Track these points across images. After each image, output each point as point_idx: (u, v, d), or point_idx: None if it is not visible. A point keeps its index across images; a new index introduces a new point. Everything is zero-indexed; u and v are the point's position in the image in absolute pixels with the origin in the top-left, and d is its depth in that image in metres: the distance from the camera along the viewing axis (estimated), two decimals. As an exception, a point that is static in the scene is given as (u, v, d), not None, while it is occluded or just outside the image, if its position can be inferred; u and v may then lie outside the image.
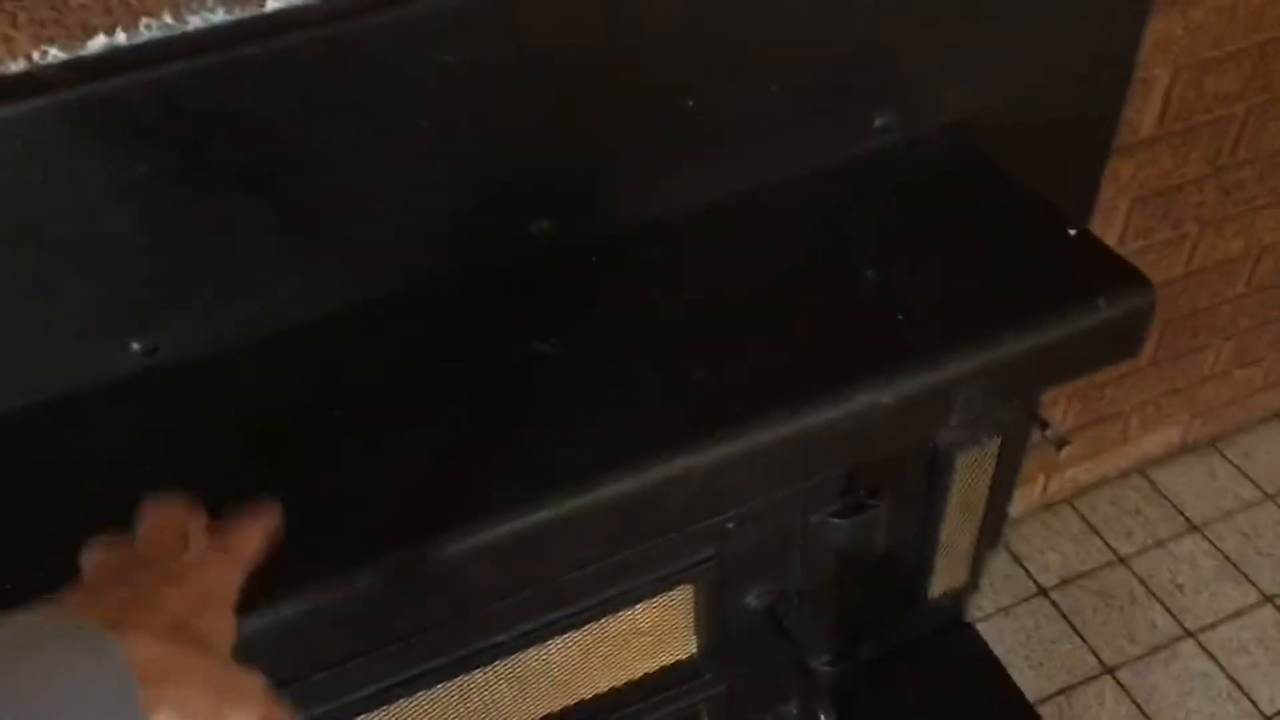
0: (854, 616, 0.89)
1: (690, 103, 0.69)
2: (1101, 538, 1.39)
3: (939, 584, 0.95)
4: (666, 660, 0.85)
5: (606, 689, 0.84)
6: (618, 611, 0.74)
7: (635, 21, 0.64)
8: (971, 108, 0.78)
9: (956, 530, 0.89)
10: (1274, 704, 1.21)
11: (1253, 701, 1.21)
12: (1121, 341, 0.67)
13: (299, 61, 0.59)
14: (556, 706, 0.84)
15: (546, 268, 0.71)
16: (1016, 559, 1.37)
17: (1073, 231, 0.70)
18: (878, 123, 0.77)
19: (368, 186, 0.65)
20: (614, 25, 0.64)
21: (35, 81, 0.56)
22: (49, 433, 0.66)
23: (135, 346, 0.68)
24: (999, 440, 0.81)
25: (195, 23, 0.59)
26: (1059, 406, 1.26)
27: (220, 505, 0.50)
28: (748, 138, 0.73)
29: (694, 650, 0.85)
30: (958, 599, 1.01)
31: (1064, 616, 1.30)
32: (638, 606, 0.76)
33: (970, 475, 0.83)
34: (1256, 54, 0.96)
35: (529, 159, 0.68)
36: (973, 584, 0.99)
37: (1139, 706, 1.21)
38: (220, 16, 0.59)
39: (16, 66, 0.56)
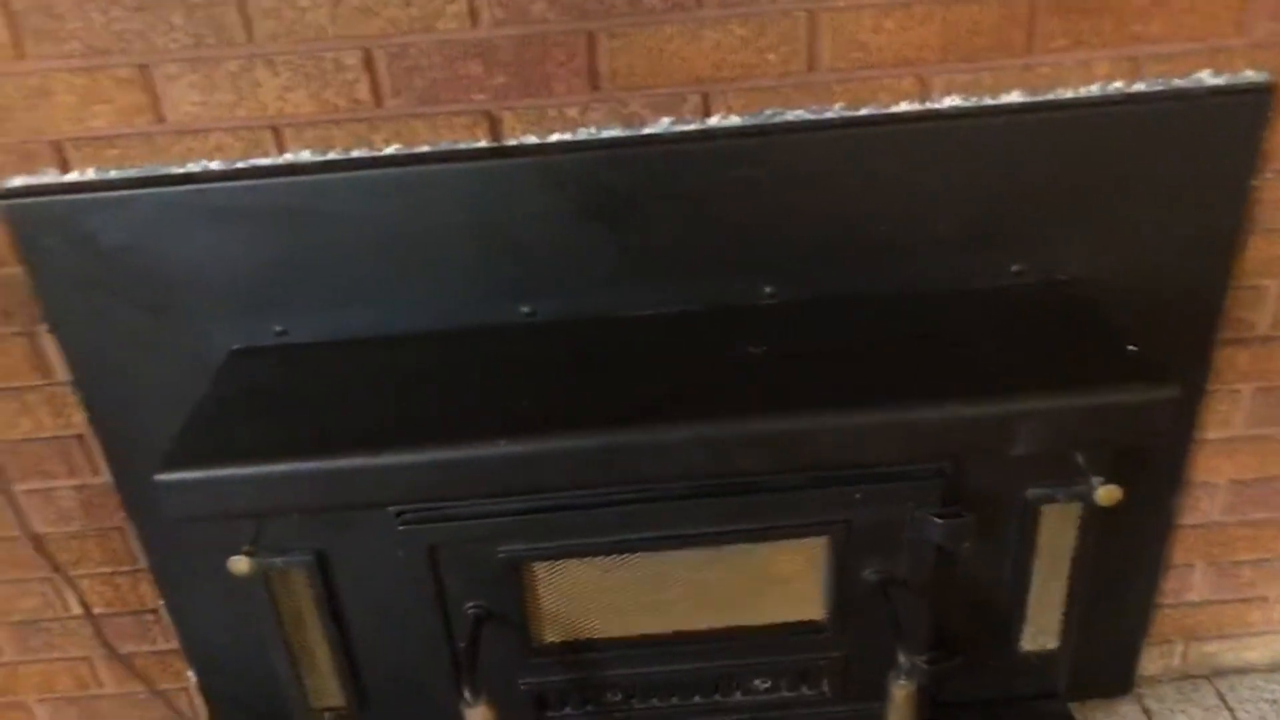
0: (951, 630, 1.17)
1: (883, 227, 1.10)
2: (1234, 716, 1.51)
3: (1030, 637, 1.20)
4: (797, 615, 1.17)
5: (743, 626, 1.18)
6: (765, 540, 1.09)
7: (855, 168, 1.07)
8: (1089, 266, 1.12)
9: (1045, 584, 1.16)
10: None
11: None
12: (1145, 422, 0.97)
13: (657, 162, 1.07)
14: (700, 625, 1.18)
15: (770, 312, 1.12)
16: (1146, 713, 1.53)
17: (1131, 348, 1.02)
18: (1014, 268, 1.13)
19: (682, 241, 1.11)
20: (839, 170, 1.07)
21: (508, 150, 1.08)
22: (462, 349, 1.14)
23: (523, 309, 1.16)
24: (1080, 506, 1.10)
25: (591, 134, 1.08)
26: (1194, 571, 1.45)
27: (551, 404, 0.94)
28: (924, 259, 1.12)
29: (821, 614, 1.17)
30: (1051, 665, 1.24)
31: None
32: (781, 544, 1.10)
33: (1055, 532, 1.12)
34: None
35: (764, 241, 1.11)
36: (1064, 656, 1.23)
37: None
38: (611, 133, 1.08)
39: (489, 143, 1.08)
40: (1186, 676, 1.57)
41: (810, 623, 1.18)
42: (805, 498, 1.07)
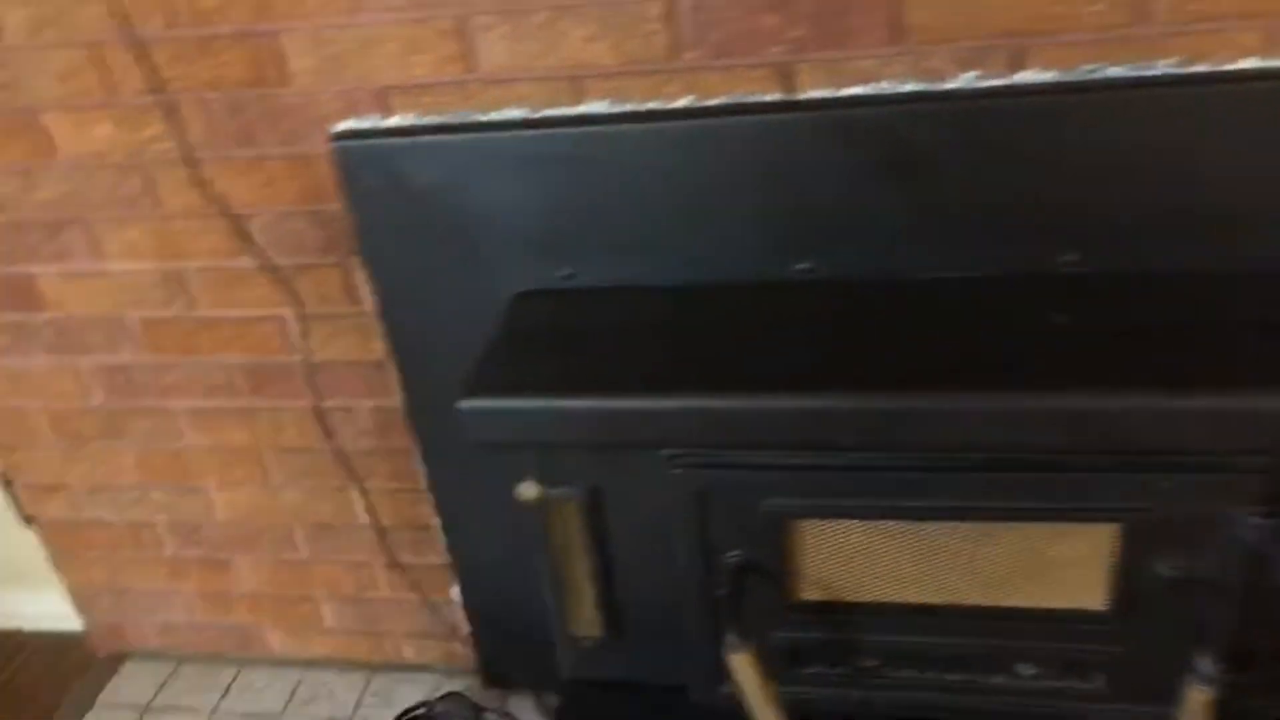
0: (1256, 641, 1.07)
1: (1213, 197, 1.01)
2: None
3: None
4: (1076, 603, 1.11)
5: (1015, 607, 1.13)
6: (1054, 521, 1.04)
7: (1183, 131, 0.99)
8: None
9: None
10: None
11: None
12: None
13: (957, 119, 1.03)
14: (968, 600, 1.14)
15: (1073, 282, 1.06)
16: None
17: None
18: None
19: (977, 202, 1.06)
20: (1164, 132, 0.99)
21: (801, 104, 1.06)
22: (741, 302, 1.15)
23: (802, 265, 1.15)
24: None
25: (889, 88, 1.05)
26: None
27: (834, 361, 0.93)
28: (1262, 235, 1.02)
29: (1103, 604, 1.10)
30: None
31: None
32: (1068, 526, 1.05)
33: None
34: None
35: (1071, 206, 1.04)
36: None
37: None
38: (910, 87, 1.04)
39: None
40: None
41: (1090, 612, 1.12)
42: (1104, 481, 1.00)
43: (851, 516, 1.11)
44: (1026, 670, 1.18)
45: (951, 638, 1.18)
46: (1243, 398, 0.89)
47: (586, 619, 1.28)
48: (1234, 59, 0.98)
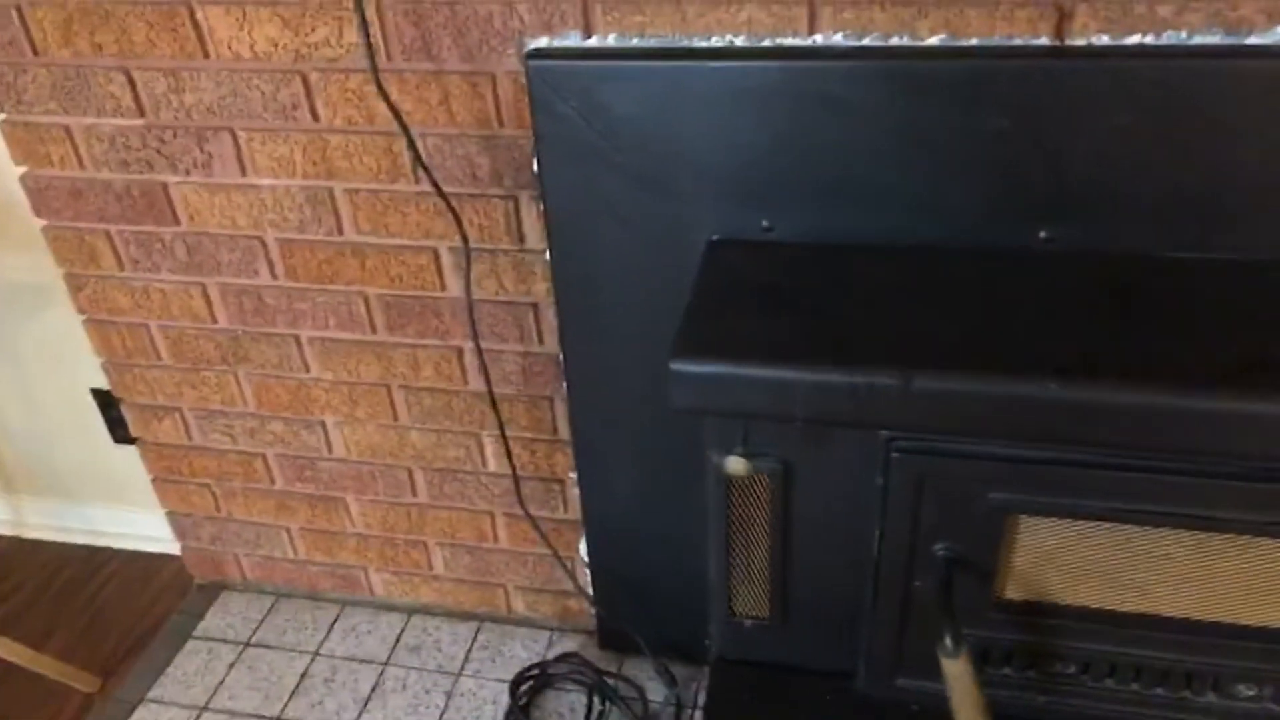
0: None
1: None
2: None
3: None
4: (1315, 625, 1.01)
5: (1244, 624, 1.03)
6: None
7: None
8: None
9: None
10: None
11: None
12: None
13: (1261, 77, 0.90)
14: (1190, 613, 1.04)
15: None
16: None
17: None
18: None
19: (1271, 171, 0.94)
20: None
21: (1072, 51, 0.93)
22: (969, 269, 1.03)
23: (1042, 234, 1.03)
24: None
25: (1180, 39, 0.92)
26: None
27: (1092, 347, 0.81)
28: None
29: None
30: None
31: None
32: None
33: None
34: None
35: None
36: None
37: None
38: (1206, 39, 0.91)
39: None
40: None
41: (1328, 636, 1.02)
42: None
43: (1088, 517, 1.00)
44: (1246, 691, 1.09)
45: (1167, 651, 1.08)
46: None
47: (754, 599, 1.19)
48: None
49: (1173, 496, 0.96)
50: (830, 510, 1.09)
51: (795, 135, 1.04)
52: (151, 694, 1.59)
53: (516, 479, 1.44)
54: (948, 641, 0.97)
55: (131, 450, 1.69)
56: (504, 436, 1.39)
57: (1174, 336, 0.91)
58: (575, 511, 1.48)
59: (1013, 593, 1.09)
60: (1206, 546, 1.00)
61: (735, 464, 0.99)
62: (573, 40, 1.05)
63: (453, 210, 1.19)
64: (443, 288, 1.29)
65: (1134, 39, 0.93)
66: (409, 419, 1.44)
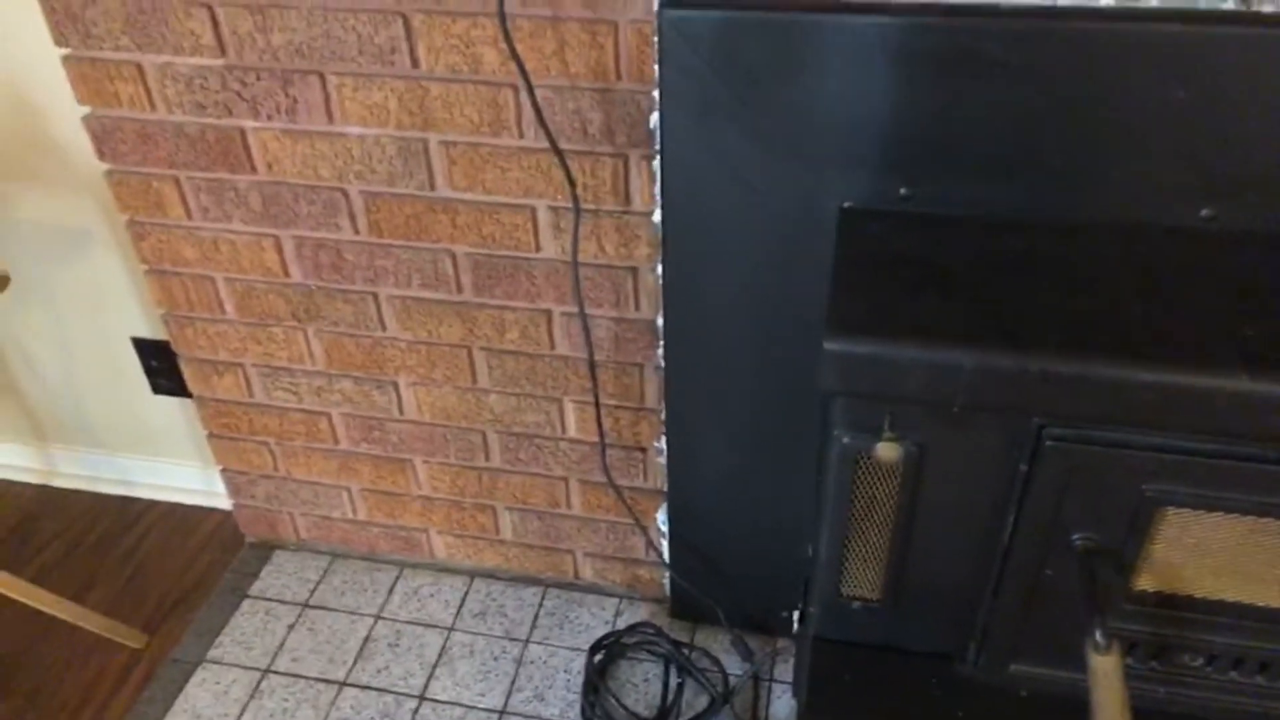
0: None
1: None
2: None
3: None
4: None
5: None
6: None
7: None
8: None
9: None
10: None
11: None
12: None
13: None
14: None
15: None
16: None
17: None
18: None
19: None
20: None
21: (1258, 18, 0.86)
22: (1120, 247, 0.97)
23: (1204, 213, 0.97)
24: None
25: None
26: None
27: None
28: None
29: None
30: None
31: None
32: None
33: None
34: None
35: None
36: None
37: None
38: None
39: None
40: None
41: None
42: None
43: (1232, 510, 0.96)
44: (1382, 688, 1.06)
45: (1301, 646, 1.05)
46: None
47: (867, 582, 1.15)
48: None
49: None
50: (961, 495, 1.04)
51: (941, 99, 0.97)
52: (211, 654, 1.54)
53: (603, 445, 1.39)
54: (1099, 637, 0.93)
55: (169, 401, 1.62)
56: (592, 404, 1.34)
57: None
58: (655, 480, 1.43)
59: (1146, 584, 1.05)
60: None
61: (887, 449, 0.94)
62: (711, -12, 0.97)
63: (565, 168, 1.12)
64: (537, 248, 1.22)
65: (1333, 5, 0.86)
66: (489, 382, 1.38)
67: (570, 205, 1.16)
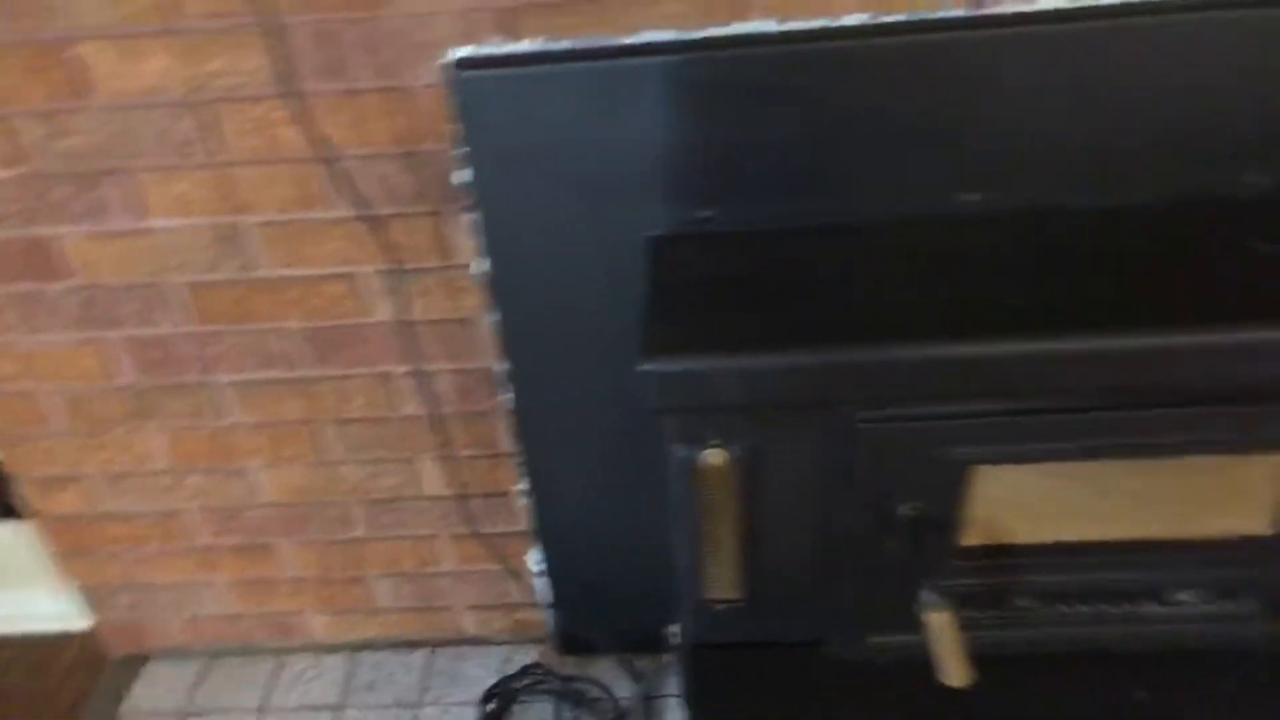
0: None
1: None
2: None
3: None
4: (1240, 530, 1.11)
5: (1175, 538, 1.11)
6: (1236, 454, 1.02)
7: None
8: None
9: None
10: None
11: None
12: None
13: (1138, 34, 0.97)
14: (1130, 534, 1.12)
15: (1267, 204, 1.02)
16: None
17: None
18: None
19: (1165, 124, 1.01)
20: None
21: (987, 20, 0.98)
22: (902, 240, 1.07)
23: (968, 197, 1.08)
24: None
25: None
26: None
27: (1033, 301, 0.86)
28: None
29: (1269, 529, 1.10)
30: None
31: None
32: (1246, 458, 1.02)
33: None
34: None
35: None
36: None
37: None
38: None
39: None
40: None
41: (1254, 537, 1.12)
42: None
43: (1036, 460, 1.06)
44: (1184, 598, 1.18)
45: (1112, 572, 1.16)
46: None
47: (726, 583, 1.21)
48: None
49: (1114, 430, 1.02)
50: (797, 487, 1.12)
51: (724, 124, 1.05)
52: (87, 783, 1.48)
53: (462, 498, 1.41)
54: (929, 596, 1.02)
55: (5, 527, 1.56)
56: (447, 458, 1.36)
57: (1099, 282, 0.98)
58: (523, 523, 1.46)
59: (973, 539, 1.15)
60: (1142, 471, 1.08)
61: (713, 456, 1.00)
62: (496, 47, 1.03)
63: (376, 233, 1.15)
64: (367, 314, 1.25)
65: (1043, 4, 0.98)
66: (341, 453, 1.39)
67: (394, 268, 1.19)
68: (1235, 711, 1.18)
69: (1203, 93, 1.01)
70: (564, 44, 1.02)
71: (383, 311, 1.24)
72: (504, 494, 1.43)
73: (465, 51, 1.03)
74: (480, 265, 1.17)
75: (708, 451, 1.00)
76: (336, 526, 1.48)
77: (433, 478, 1.42)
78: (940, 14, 0.99)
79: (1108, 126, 1.03)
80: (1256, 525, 1.12)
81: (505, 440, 1.37)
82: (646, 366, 0.94)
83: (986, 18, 0.99)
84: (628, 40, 1.02)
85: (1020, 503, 1.12)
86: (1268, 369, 0.89)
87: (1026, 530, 1.15)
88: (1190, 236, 1.02)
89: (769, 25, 1.00)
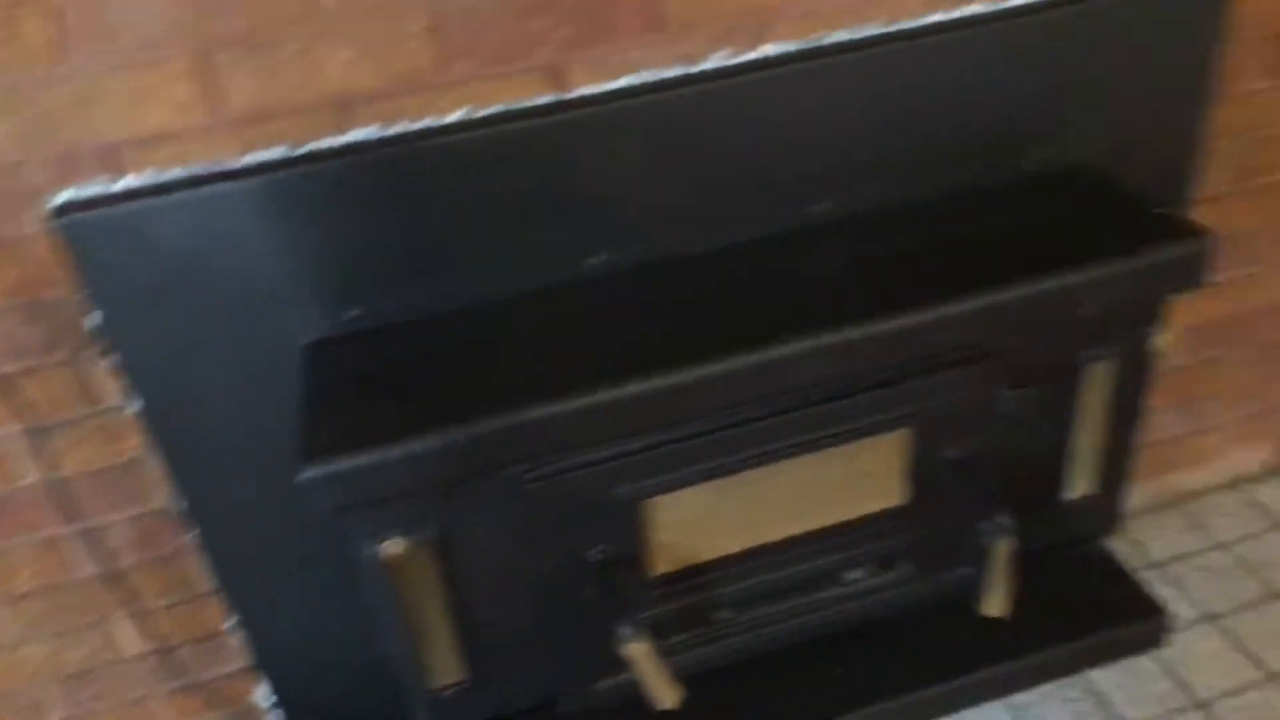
0: (1021, 489, 1.28)
1: (914, 137, 1.19)
2: (1207, 531, 1.73)
3: (1079, 484, 1.34)
4: (882, 504, 1.27)
5: (832, 524, 1.26)
6: (853, 440, 1.17)
7: (890, 85, 1.15)
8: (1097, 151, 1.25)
9: (1088, 436, 1.29)
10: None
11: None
12: (1188, 273, 1.10)
13: (714, 95, 1.12)
14: (795, 529, 1.26)
15: (831, 229, 1.20)
16: (1135, 544, 1.72)
17: (1159, 211, 1.15)
18: (1031, 162, 1.24)
19: (736, 169, 1.16)
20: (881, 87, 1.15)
21: (573, 103, 1.10)
22: (541, 307, 1.16)
23: (594, 260, 1.18)
24: (1119, 364, 1.23)
25: (654, 76, 1.12)
26: (1163, 412, 1.64)
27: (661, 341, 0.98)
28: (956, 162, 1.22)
29: (902, 499, 1.27)
30: (1096, 512, 1.39)
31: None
32: (866, 442, 1.18)
33: (1097, 390, 1.25)
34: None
35: (819, 160, 1.18)
36: (1106, 502, 1.38)
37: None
38: (673, 71, 1.12)
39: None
40: (1159, 507, 1.77)
41: (894, 509, 1.28)
42: (889, 394, 1.15)
43: (695, 482, 1.17)
44: (855, 575, 1.33)
45: (792, 567, 1.29)
46: (984, 297, 1.06)
47: (447, 666, 1.22)
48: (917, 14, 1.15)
49: (750, 442, 1.15)
50: (491, 556, 1.16)
51: (357, 227, 1.09)
52: None
53: (167, 651, 1.34)
54: (624, 630, 1.09)
55: None
56: (140, 613, 1.29)
57: (703, 317, 1.10)
58: (242, 659, 1.40)
59: (665, 566, 1.24)
60: (783, 472, 1.21)
61: (393, 546, 1.02)
62: (103, 185, 1.02)
63: (7, 394, 1.09)
64: (14, 480, 1.17)
65: (618, 83, 1.10)
66: (18, 633, 1.28)
67: (35, 426, 1.13)
68: (917, 661, 1.34)
69: (775, 139, 1.16)
70: (171, 174, 1.03)
71: (32, 474, 1.17)
72: (214, 635, 1.37)
73: (68, 195, 1.01)
74: (133, 405, 1.14)
75: (388, 543, 1.02)
76: (30, 714, 1.35)
77: (129, 637, 1.33)
78: (530, 103, 1.09)
79: (704, 178, 1.17)
80: (893, 498, 1.29)
81: (201, 579, 1.31)
82: (308, 473, 0.95)
83: (575, 100, 1.10)
84: (233, 165, 1.04)
85: (698, 523, 1.23)
86: (845, 368, 1.04)
87: (710, 547, 1.26)
88: (779, 264, 1.17)
89: (371, 133, 1.06)
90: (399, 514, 1.05)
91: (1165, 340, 1.15)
